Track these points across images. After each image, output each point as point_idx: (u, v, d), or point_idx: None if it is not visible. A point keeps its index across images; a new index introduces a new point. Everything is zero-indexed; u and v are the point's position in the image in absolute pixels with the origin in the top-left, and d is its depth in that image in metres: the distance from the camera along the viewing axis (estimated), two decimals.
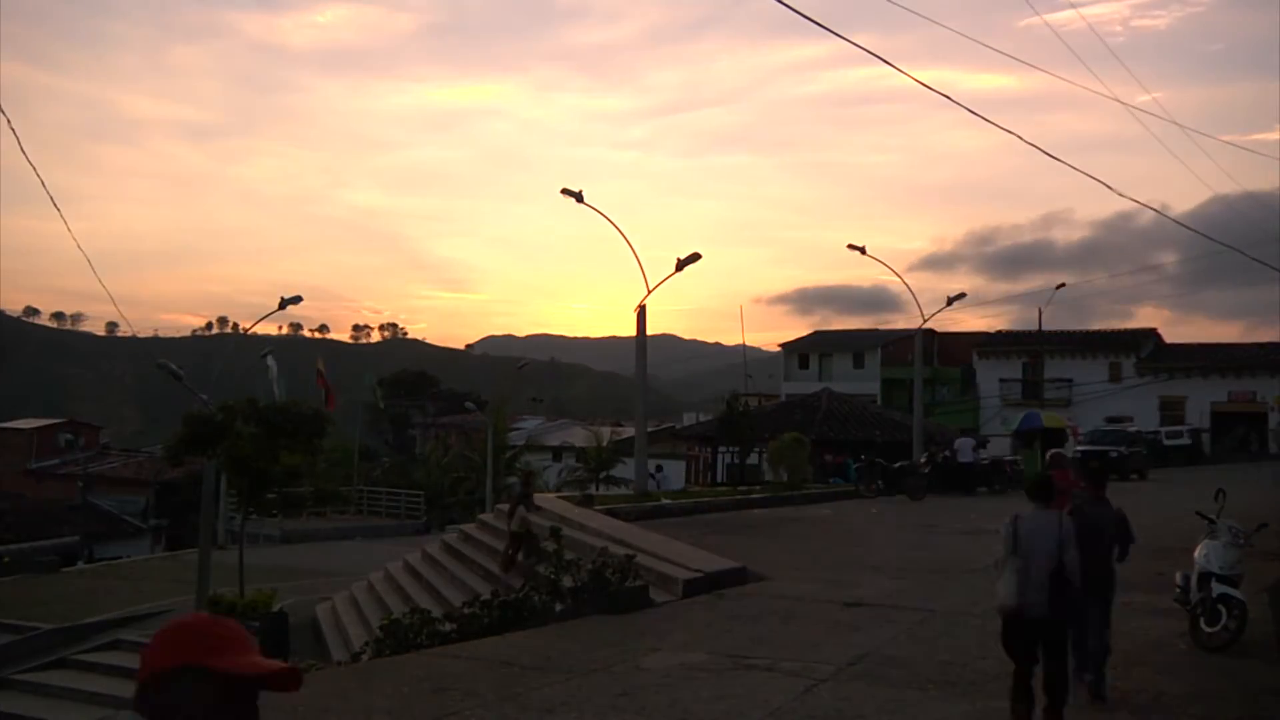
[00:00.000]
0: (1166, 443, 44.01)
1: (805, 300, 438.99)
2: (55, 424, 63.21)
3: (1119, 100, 47.33)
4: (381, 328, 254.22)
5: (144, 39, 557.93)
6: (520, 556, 14.26)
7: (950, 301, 31.73)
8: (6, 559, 28.84)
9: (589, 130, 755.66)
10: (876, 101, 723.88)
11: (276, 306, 25.43)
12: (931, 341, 56.37)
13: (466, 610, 10.47)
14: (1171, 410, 53.67)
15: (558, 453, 61.31)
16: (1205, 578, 8.10)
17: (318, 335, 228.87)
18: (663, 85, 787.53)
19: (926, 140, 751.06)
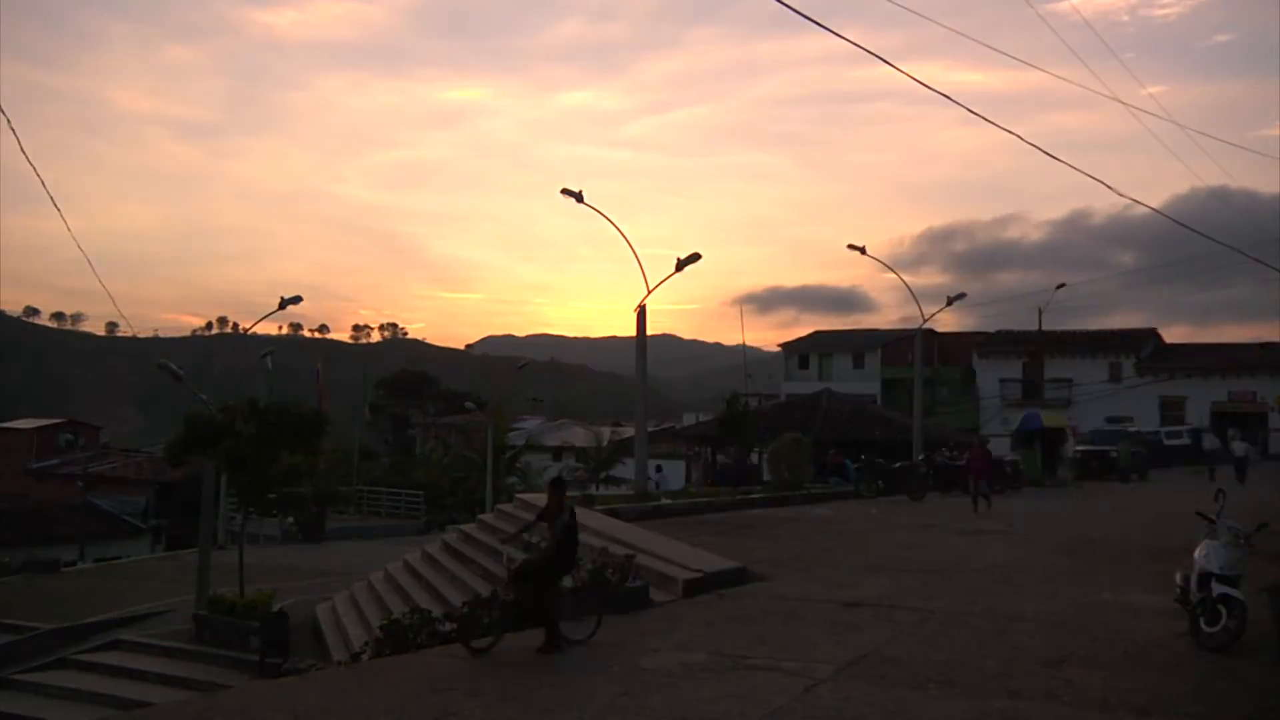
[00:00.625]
0: (1167, 443, 44.05)
1: (775, 300, 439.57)
2: (55, 424, 63.24)
3: (1119, 99, 47.26)
4: (381, 328, 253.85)
5: (137, 35, 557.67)
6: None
7: (950, 301, 31.78)
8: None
9: (583, 128, 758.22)
10: (859, 100, 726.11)
11: (276, 306, 25.50)
12: (931, 341, 56.41)
13: (466, 610, 10.46)
14: (1171, 410, 53.69)
15: (558, 453, 61.34)
16: (1205, 578, 8.10)
17: (318, 335, 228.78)
18: (653, 82, 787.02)
19: (904, 138, 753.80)
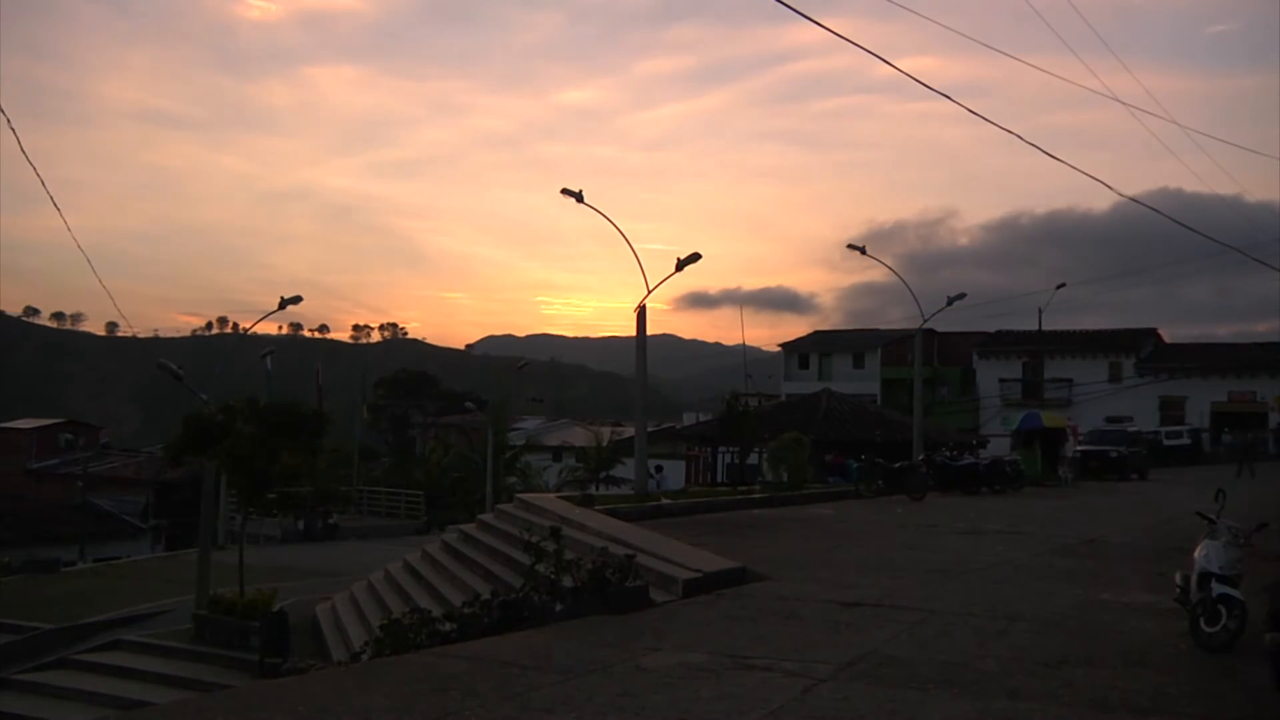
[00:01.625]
0: (1166, 443, 44.06)
1: (724, 300, 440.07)
2: (55, 424, 63.29)
3: (1118, 100, 47.11)
4: (381, 328, 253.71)
5: (127, 30, 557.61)
6: None
7: (950, 301, 31.78)
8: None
9: (573, 122, 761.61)
10: (840, 95, 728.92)
11: (276, 306, 25.53)
12: (931, 341, 56.42)
13: (466, 610, 10.45)
14: (1171, 410, 53.71)
15: (558, 453, 61.33)
16: (1205, 578, 8.10)
17: (317, 335, 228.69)
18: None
19: (889, 134, 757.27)
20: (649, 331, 21.39)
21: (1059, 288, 53.90)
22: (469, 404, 57.87)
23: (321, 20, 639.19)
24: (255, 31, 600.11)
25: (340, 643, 16.44)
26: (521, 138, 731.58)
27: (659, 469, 34.68)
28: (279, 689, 8.24)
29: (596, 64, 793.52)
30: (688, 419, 63.08)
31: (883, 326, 67.31)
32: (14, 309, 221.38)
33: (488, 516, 20.48)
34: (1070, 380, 57.24)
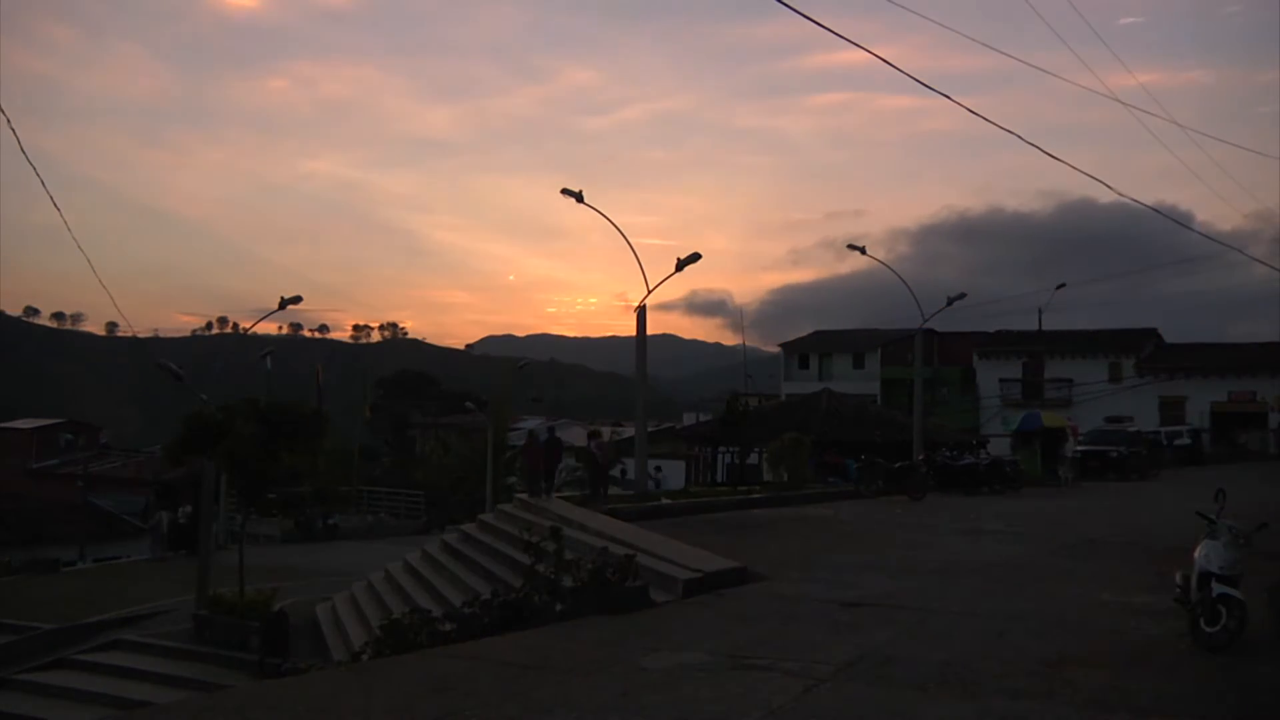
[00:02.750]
0: (1166, 442, 44.03)
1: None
2: (55, 424, 63.34)
3: (1117, 99, 47.09)
4: (381, 328, 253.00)
5: (130, 26, 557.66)
6: None
7: (950, 301, 31.78)
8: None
9: (569, 119, 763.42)
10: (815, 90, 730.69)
11: (276, 306, 25.55)
12: (932, 341, 56.42)
13: (466, 610, 10.46)
14: (1171, 410, 53.70)
15: None
16: (1205, 578, 8.09)
17: (317, 335, 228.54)
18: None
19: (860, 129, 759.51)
20: (649, 331, 21.41)
21: (1059, 287, 53.95)
22: (469, 404, 57.85)
23: (315, 12, 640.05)
24: (249, 24, 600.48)
25: (340, 643, 16.45)
26: (522, 133, 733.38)
27: (658, 469, 34.71)
28: (279, 689, 8.24)
29: (597, 58, 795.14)
30: (688, 419, 63.06)
31: (882, 326, 67.21)
32: (14, 309, 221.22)
33: (488, 516, 20.51)
34: (1070, 380, 57.27)
